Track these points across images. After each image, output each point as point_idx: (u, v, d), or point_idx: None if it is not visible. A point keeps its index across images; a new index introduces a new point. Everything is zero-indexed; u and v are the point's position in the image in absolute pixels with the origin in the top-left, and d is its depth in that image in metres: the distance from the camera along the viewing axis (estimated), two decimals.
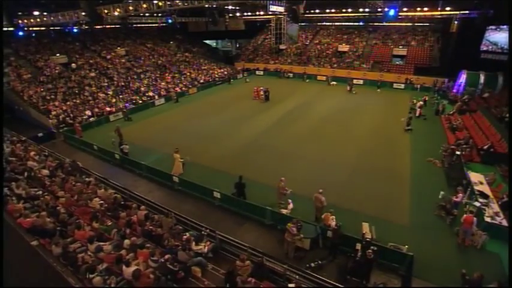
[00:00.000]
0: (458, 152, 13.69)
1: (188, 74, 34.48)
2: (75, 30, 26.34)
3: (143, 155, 15.19)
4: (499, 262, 8.07)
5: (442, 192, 10.37)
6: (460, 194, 10.02)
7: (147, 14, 34.03)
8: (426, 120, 19.86)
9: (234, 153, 15.51)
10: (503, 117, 16.98)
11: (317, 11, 35.20)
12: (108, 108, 23.15)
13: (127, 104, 23.76)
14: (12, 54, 27.43)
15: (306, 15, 33.58)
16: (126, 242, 6.90)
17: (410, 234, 9.16)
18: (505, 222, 9.03)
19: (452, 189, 11.50)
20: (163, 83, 30.31)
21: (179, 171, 13.03)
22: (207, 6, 19.51)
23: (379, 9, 28.70)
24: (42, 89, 24.23)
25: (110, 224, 7.83)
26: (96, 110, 22.73)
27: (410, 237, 8.85)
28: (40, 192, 9.25)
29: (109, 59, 32.59)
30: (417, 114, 20.39)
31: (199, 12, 37.43)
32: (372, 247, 7.27)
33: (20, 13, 25.26)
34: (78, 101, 23.78)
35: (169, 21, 30.98)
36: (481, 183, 11.21)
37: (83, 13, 19.81)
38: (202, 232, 7.98)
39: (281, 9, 22.03)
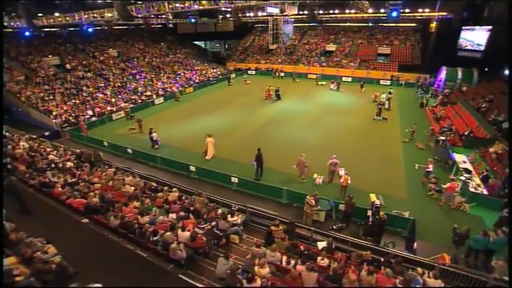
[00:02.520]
0: (443, 138, 15.44)
1: (183, 74, 35.10)
2: (90, 30, 26.97)
3: (154, 149, 16.03)
4: (482, 222, 9.62)
5: (416, 165, 12.45)
6: (430, 165, 11.89)
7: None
8: (413, 112, 21.75)
9: (240, 144, 16.56)
10: (480, 107, 19.04)
11: (306, 12, 36.67)
12: (109, 108, 23.52)
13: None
14: (3, 56, 27.16)
15: (297, 16, 34.94)
16: (171, 216, 7.82)
17: (408, 205, 10.51)
18: (485, 192, 10.68)
19: (440, 169, 13.23)
20: (159, 83, 30.81)
21: (213, 153, 14.83)
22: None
23: (365, 10, 30.50)
24: (39, 90, 24.27)
25: (149, 203, 8.67)
26: (98, 109, 23.06)
27: (409, 207, 10.19)
28: (74, 180, 9.92)
29: (102, 60, 32.70)
30: (386, 107, 22.11)
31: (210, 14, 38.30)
32: (381, 212, 8.55)
33: (40, 14, 25.52)
34: (77, 101, 23.99)
35: (193, 20, 32.51)
36: (464, 162, 12.87)
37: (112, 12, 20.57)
38: (232, 208, 8.98)
39: (277, 10, 23.30)
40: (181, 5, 18.23)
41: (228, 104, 25.15)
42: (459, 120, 18.53)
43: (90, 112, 22.54)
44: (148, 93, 28.07)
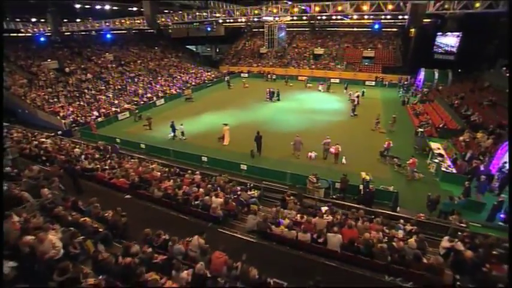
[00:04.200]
0: (421, 130, 17.77)
1: (179, 77, 36.51)
2: (108, 36, 28.61)
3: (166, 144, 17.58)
4: (452, 195, 11.70)
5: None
6: (387, 143, 14.57)
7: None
8: (395, 109, 24.02)
9: (246, 137, 18.13)
10: (453, 103, 21.61)
11: (294, 17, 38.94)
12: (113, 109, 24.70)
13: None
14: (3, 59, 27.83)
15: (288, 21, 37.10)
16: (201, 190, 9.44)
17: (390, 181, 12.56)
18: (454, 170, 12.91)
19: (418, 155, 15.45)
20: (158, 86, 32.14)
21: (229, 139, 17.40)
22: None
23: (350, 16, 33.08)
24: (43, 93, 25.16)
25: (179, 182, 10.25)
26: (103, 110, 24.21)
27: (391, 183, 12.23)
28: (107, 166, 11.36)
29: (100, 64, 33.68)
30: (356, 103, 24.24)
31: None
32: (371, 185, 10.51)
33: (65, 20, 27.07)
34: (82, 103, 25.03)
35: (208, 29, 34.15)
36: (439, 148, 15.17)
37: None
38: (248, 185, 10.70)
39: (271, 18, 25.35)
40: (201, 14, 19.91)
41: (232, 104, 26.96)
42: (435, 115, 20.99)
43: (95, 113, 23.66)
44: (149, 95, 29.36)
